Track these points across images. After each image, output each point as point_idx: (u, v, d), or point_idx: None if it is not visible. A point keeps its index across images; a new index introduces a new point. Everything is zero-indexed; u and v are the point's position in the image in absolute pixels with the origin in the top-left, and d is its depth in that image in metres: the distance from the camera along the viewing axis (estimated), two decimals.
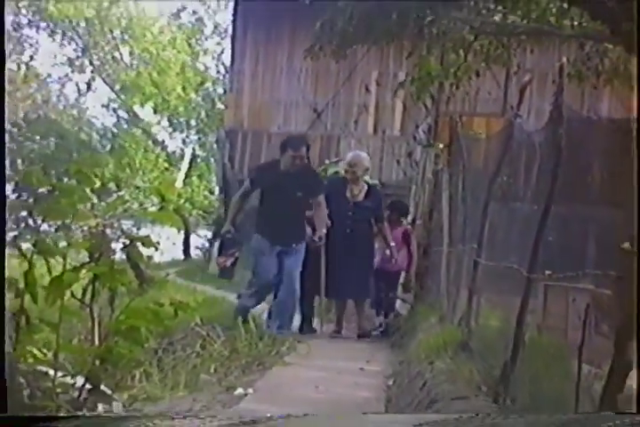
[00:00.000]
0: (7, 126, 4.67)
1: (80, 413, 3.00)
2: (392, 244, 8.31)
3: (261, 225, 7.72)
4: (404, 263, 8.83)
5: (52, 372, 3.13)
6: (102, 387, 3.20)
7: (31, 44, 18.93)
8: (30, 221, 3.62)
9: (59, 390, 3.08)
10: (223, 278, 8.95)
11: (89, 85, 18.91)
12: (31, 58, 19.04)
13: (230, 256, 7.83)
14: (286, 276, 7.63)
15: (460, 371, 5.09)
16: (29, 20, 18.58)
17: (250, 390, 5.11)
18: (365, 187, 8.43)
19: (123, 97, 18.90)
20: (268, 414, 3.24)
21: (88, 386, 3.16)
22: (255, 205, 7.97)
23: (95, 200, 3.81)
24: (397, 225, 8.83)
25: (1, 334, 2.81)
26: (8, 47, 17.74)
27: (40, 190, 3.78)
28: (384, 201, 8.66)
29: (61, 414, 2.89)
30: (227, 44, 16.58)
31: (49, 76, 19.30)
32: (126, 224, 3.53)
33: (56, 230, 3.58)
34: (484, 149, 9.32)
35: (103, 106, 19.01)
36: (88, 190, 3.74)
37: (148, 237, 3.55)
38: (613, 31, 5.66)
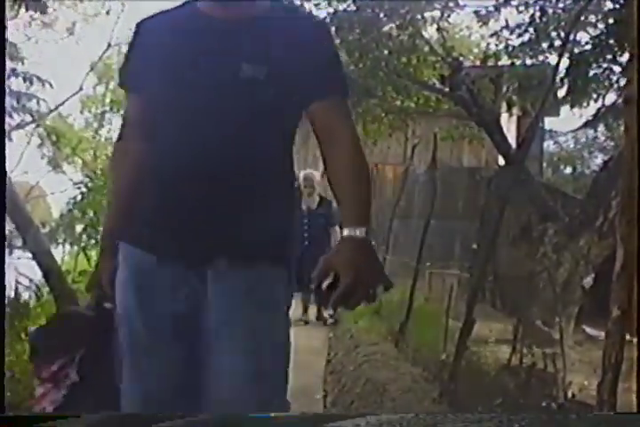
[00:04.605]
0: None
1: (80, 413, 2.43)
2: None
3: (146, 215, 1.32)
4: None
5: None
6: None
7: None
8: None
9: None
10: None
11: None
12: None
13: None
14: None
15: (374, 327, 5.16)
16: None
17: None
18: (318, 198, 5.91)
19: None
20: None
21: None
22: None
23: None
24: None
25: (1, 335, 2.10)
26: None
27: None
28: (335, 208, 6.30)
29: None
30: None
31: None
32: None
33: None
34: (392, 184, 9.45)
35: None
36: None
37: None
38: (468, 113, 5.87)
